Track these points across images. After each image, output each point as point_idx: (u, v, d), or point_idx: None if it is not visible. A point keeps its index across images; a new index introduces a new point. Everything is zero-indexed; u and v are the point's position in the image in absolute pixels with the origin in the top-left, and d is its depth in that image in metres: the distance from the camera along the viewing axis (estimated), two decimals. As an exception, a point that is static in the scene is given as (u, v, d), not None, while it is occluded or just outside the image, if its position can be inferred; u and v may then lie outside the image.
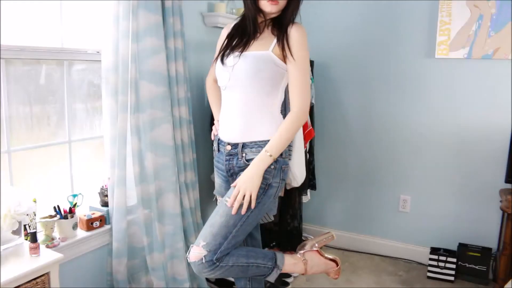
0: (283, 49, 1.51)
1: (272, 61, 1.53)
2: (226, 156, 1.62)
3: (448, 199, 2.81)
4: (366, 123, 3.01)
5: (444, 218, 2.84)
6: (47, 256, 1.56)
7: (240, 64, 1.54)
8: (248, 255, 1.53)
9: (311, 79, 2.76)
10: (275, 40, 1.55)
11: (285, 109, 2.32)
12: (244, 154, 1.58)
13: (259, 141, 1.56)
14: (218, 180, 1.74)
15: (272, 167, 1.53)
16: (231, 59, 1.57)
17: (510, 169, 2.37)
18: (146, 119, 2.02)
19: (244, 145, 1.57)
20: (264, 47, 1.56)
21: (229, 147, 1.60)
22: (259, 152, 1.53)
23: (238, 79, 1.55)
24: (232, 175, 1.64)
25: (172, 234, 2.16)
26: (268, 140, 1.54)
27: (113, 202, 1.98)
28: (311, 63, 2.80)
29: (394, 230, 3.01)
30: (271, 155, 1.50)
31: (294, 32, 1.51)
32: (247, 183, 1.47)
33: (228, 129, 1.61)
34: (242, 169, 1.57)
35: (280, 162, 1.58)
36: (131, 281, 2.09)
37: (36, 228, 1.65)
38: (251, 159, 1.55)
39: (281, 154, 1.56)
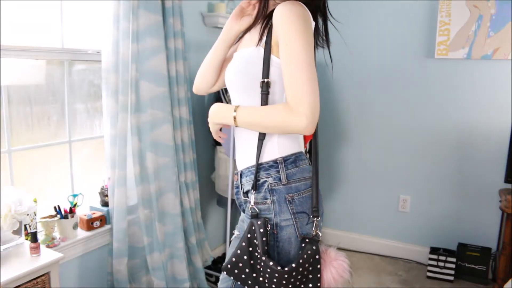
0: (261, 35, 1.10)
1: (260, 58, 1.11)
2: (235, 188, 1.27)
3: (448, 199, 2.81)
4: (366, 123, 3.02)
5: (443, 218, 2.84)
6: (48, 256, 1.56)
7: (227, 69, 1.21)
8: None
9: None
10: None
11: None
12: (242, 186, 1.20)
13: (251, 166, 1.16)
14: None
15: (268, 200, 1.11)
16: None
17: (509, 169, 2.38)
18: (146, 119, 2.03)
19: (242, 174, 1.20)
20: (252, 42, 1.15)
21: (236, 178, 1.25)
22: (252, 180, 1.14)
23: (227, 87, 1.23)
24: (244, 211, 1.26)
25: (172, 234, 2.16)
26: (265, 163, 1.14)
27: (114, 202, 1.98)
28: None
29: (394, 230, 3.01)
30: (235, 113, 1.09)
31: (276, 11, 1.05)
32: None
33: (236, 154, 1.27)
34: (246, 205, 1.20)
35: (280, 191, 1.11)
36: (131, 281, 2.09)
37: (36, 228, 1.65)
38: (248, 191, 1.17)
39: (280, 179, 1.12)
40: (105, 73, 1.93)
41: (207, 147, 2.69)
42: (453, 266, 2.67)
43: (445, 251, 2.76)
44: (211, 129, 1.23)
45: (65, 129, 1.97)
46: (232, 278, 1.15)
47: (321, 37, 1.21)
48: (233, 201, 2.49)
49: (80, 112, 2.05)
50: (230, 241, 1.33)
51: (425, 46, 2.75)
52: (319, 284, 1.12)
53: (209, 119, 1.20)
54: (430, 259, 2.73)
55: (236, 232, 1.31)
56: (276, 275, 1.04)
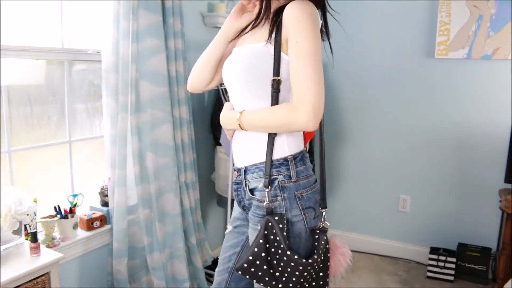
0: (270, 32, 1.11)
1: (269, 55, 1.12)
2: (234, 185, 1.28)
3: (448, 199, 2.81)
4: (366, 123, 3.02)
5: (443, 218, 2.84)
6: (48, 256, 1.56)
7: (226, 64, 1.23)
8: None
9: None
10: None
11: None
12: (247, 182, 1.20)
13: (260, 163, 1.17)
14: (235, 208, 1.36)
15: (279, 197, 1.14)
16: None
17: (509, 169, 2.38)
18: (146, 119, 2.03)
19: (246, 170, 1.20)
20: (255, 39, 1.17)
21: (236, 174, 1.26)
22: (260, 177, 1.16)
23: (226, 83, 1.25)
24: (243, 208, 1.27)
25: (172, 234, 2.16)
26: (275, 160, 1.15)
27: (114, 202, 1.98)
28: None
29: (394, 230, 3.01)
30: (239, 120, 1.14)
31: (288, 10, 1.07)
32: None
33: (233, 150, 1.27)
34: (250, 202, 1.21)
35: (290, 188, 1.14)
36: (131, 281, 2.09)
37: (36, 228, 1.65)
38: (254, 189, 1.18)
39: (290, 176, 1.14)
40: (105, 73, 1.93)
41: (207, 147, 2.69)
42: (453, 266, 2.67)
43: (445, 251, 2.76)
44: (226, 134, 1.27)
45: (65, 129, 1.97)
46: (247, 277, 1.15)
47: (321, 29, 1.22)
48: (233, 201, 2.49)
49: (80, 112, 2.05)
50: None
51: (425, 46, 2.75)
52: (328, 272, 1.17)
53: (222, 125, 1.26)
54: (430, 259, 2.73)
55: (229, 227, 1.34)
56: (301, 267, 1.07)
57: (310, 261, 1.08)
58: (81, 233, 1.94)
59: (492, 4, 2.49)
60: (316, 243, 1.14)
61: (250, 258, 1.12)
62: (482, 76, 2.62)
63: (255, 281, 1.15)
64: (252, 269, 1.13)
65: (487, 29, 2.53)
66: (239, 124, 1.15)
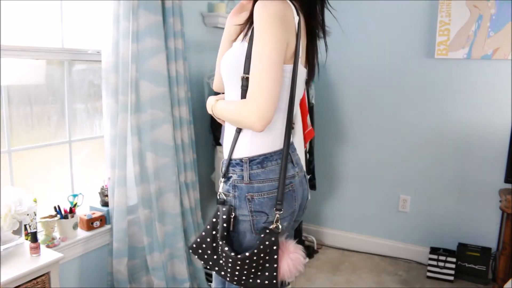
0: (246, 31, 1.15)
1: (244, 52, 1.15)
2: None
3: (448, 199, 2.81)
4: (366, 122, 3.02)
5: (443, 218, 2.84)
6: (48, 256, 1.56)
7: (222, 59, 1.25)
8: None
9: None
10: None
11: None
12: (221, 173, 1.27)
13: (226, 159, 1.21)
14: None
15: (231, 194, 1.16)
16: None
17: (509, 169, 2.38)
18: (146, 119, 2.03)
19: (222, 163, 1.25)
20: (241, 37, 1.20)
21: None
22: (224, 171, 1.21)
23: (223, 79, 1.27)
24: None
25: (172, 234, 2.16)
26: (233, 159, 1.17)
27: (114, 202, 1.98)
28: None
29: (394, 230, 3.01)
30: (212, 107, 1.21)
31: (255, 8, 1.08)
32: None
33: None
34: None
35: (242, 189, 1.15)
36: (131, 281, 2.10)
37: (36, 228, 1.65)
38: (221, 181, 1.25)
39: (243, 177, 1.15)
40: (105, 73, 1.93)
41: (207, 147, 2.69)
42: (453, 266, 2.67)
43: (445, 251, 2.76)
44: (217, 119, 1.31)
45: (65, 129, 1.97)
46: (196, 257, 1.23)
47: (320, 26, 1.24)
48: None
49: (80, 112, 2.05)
50: None
51: (425, 46, 2.75)
52: (275, 274, 1.15)
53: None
54: (430, 259, 2.73)
55: None
56: (230, 260, 1.12)
57: (239, 256, 1.10)
58: (81, 233, 1.94)
59: (492, 4, 2.49)
60: (258, 241, 1.12)
61: (198, 240, 1.20)
62: (482, 76, 2.62)
63: (202, 262, 1.21)
64: (200, 251, 1.21)
65: (487, 29, 2.53)
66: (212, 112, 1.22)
